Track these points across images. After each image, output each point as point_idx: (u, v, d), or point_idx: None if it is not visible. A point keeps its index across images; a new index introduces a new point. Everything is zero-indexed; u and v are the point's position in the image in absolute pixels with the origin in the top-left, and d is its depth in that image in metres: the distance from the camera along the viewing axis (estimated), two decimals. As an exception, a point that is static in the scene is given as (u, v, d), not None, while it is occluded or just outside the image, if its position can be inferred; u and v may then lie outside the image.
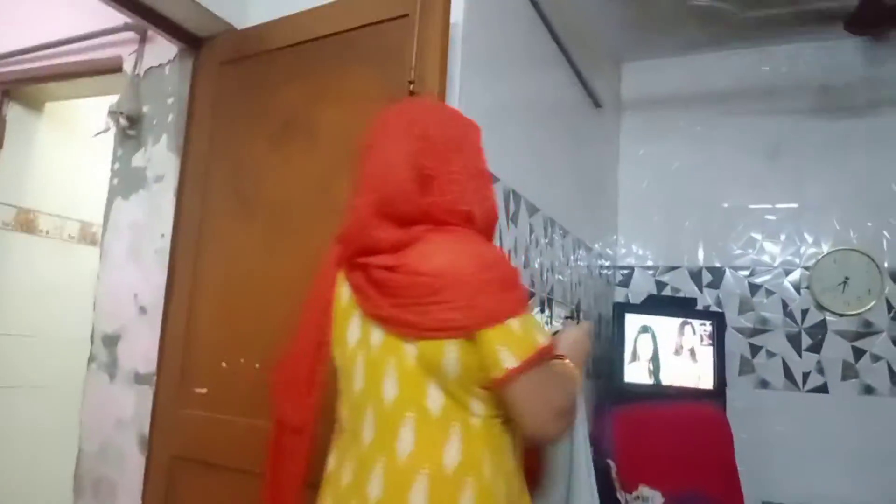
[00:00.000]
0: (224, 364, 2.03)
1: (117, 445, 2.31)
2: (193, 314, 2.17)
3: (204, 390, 2.08)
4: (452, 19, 2.02)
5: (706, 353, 3.23)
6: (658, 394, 3.17)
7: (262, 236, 2.04)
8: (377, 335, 1.22)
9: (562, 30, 2.79)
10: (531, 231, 2.54)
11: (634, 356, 3.21)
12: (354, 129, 1.86)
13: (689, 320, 3.27)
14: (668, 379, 3.21)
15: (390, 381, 1.19)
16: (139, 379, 2.29)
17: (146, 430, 2.22)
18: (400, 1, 1.85)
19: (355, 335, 1.26)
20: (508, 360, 1.10)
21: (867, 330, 3.30)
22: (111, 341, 2.38)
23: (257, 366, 1.96)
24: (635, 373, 3.20)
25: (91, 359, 2.41)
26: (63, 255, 3.25)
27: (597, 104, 3.37)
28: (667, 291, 3.68)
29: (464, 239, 1.21)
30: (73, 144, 3.25)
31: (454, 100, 1.98)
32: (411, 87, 1.75)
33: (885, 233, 3.33)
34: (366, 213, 1.23)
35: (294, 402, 1.32)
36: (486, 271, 1.14)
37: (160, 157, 2.37)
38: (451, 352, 1.13)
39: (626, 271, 3.81)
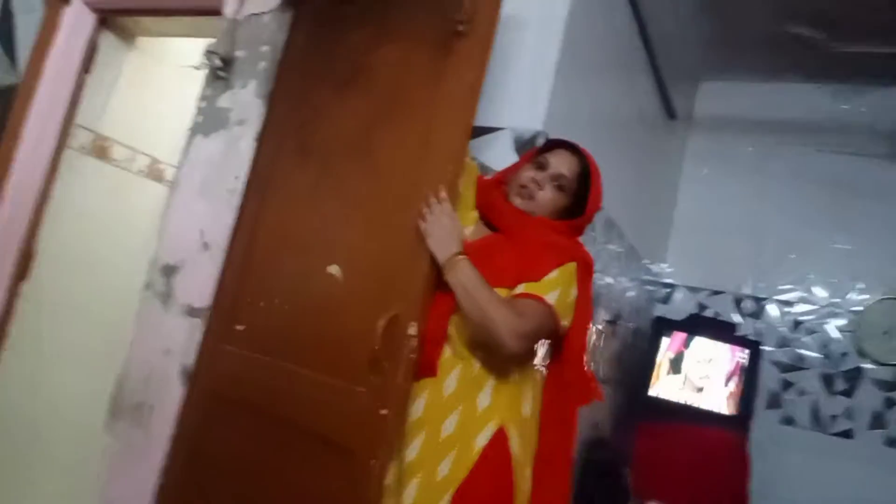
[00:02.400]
0: (262, 303, 2.07)
1: (161, 373, 2.36)
2: (249, 254, 2.21)
3: (242, 327, 2.13)
4: (559, 12, 2.05)
5: (738, 381, 3.23)
6: (683, 412, 3.18)
7: (312, 180, 2.07)
8: None
9: (653, 37, 2.81)
10: (592, 227, 2.55)
11: (676, 370, 3.23)
12: (404, 70, 1.90)
13: (727, 346, 3.28)
14: (695, 399, 3.22)
15: None
16: (192, 312, 2.35)
17: (190, 361, 2.28)
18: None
19: None
20: None
21: (905, 382, 3.28)
22: (170, 272, 2.44)
23: (286, 306, 1.99)
24: (666, 387, 3.22)
25: (147, 286, 2.47)
26: (130, 187, 3.33)
27: (671, 116, 3.37)
28: (707, 314, 3.67)
29: None
30: (156, 81, 3.33)
31: (545, 91, 2.02)
32: (460, 27, 1.73)
33: (940, 289, 3.30)
34: None
35: None
36: None
37: (246, 102, 2.43)
38: None
39: (668, 289, 3.81)
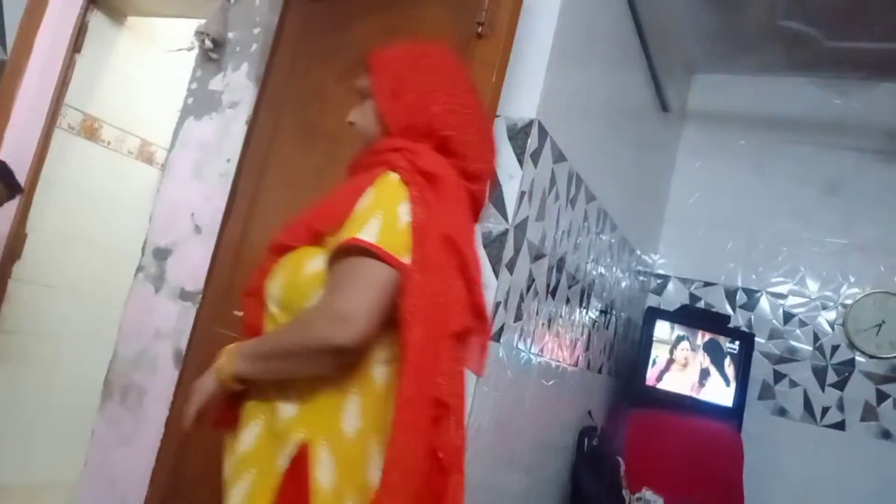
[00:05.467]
0: (264, 290, 2.05)
1: (153, 355, 2.36)
2: (246, 238, 2.21)
3: (241, 314, 2.11)
4: (553, 1, 2.03)
5: (729, 372, 3.24)
6: (676, 402, 3.18)
7: (318, 165, 2.06)
8: None
9: (648, 28, 2.79)
10: (585, 217, 2.55)
11: (667, 363, 3.23)
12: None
13: (718, 337, 3.28)
14: (687, 390, 3.22)
15: None
16: (184, 295, 2.34)
17: (183, 344, 2.27)
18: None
19: None
20: None
21: (895, 375, 3.29)
22: (162, 255, 2.42)
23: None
24: (660, 377, 3.22)
25: (139, 269, 2.46)
26: (120, 169, 3.31)
27: (665, 108, 3.36)
28: (699, 306, 3.68)
29: None
30: (147, 62, 3.29)
31: (539, 79, 1.99)
32: (480, 29, 1.74)
33: (930, 284, 3.31)
34: None
35: None
36: None
37: (238, 84, 2.41)
38: None
39: (661, 280, 3.81)
